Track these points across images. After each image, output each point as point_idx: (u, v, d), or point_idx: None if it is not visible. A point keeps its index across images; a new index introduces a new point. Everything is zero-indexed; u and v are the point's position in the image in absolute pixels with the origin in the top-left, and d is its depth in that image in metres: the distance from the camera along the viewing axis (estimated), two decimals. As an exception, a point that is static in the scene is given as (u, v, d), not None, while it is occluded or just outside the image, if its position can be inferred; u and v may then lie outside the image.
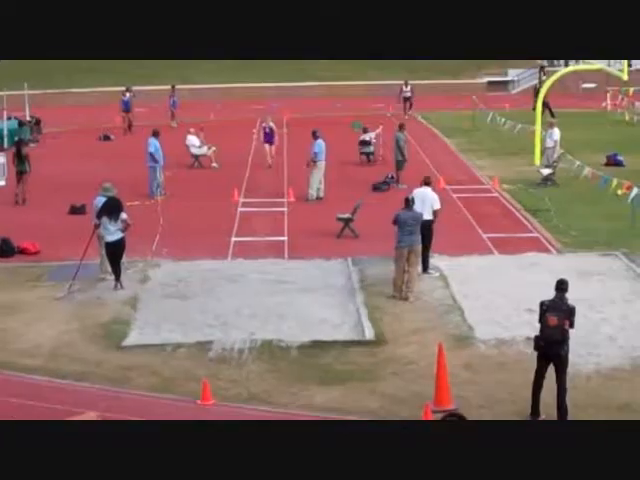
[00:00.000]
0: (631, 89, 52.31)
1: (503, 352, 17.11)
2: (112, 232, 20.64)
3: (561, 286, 14.58)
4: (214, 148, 36.73)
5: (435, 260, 22.09)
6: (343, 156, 35.80)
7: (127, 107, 46.79)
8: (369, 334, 17.96)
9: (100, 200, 21.21)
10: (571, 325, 14.32)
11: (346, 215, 25.48)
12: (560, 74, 38.14)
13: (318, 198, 30.02)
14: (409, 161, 32.54)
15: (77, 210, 27.87)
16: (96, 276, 21.15)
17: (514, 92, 63.11)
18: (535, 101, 42.41)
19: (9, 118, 41.28)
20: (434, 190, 22.08)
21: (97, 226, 20.94)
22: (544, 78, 49.40)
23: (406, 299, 19.77)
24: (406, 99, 51.58)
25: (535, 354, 14.60)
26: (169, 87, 49.68)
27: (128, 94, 47.34)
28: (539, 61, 54.29)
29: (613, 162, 35.44)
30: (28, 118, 44.71)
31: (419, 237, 20.28)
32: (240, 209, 28.78)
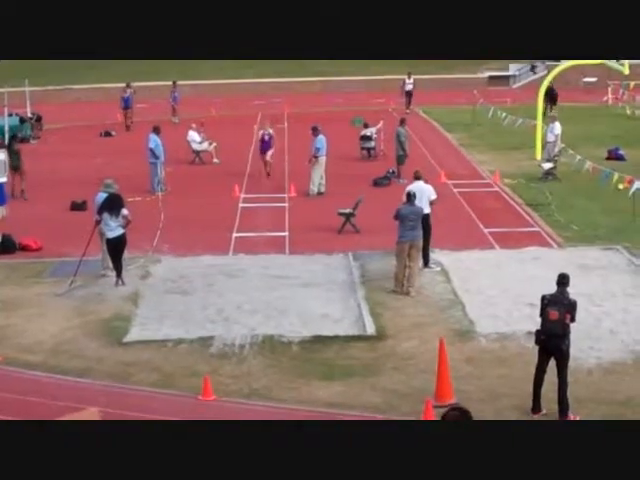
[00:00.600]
0: (632, 83, 52.31)
1: (504, 346, 17.11)
2: (113, 228, 20.63)
3: (562, 280, 14.58)
4: (215, 144, 36.73)
5: (436, 255, 22.09)
6: (344, 151, 35.79)
7: (127, 104, 46.69)
8: (370, 329, 17.96)
9: (101, 196, 21.21)
10: (572, 319, 14.31)
11: (347, 210, 25.48)
12: (561, 68, 38.10)
13: (319, 193, 30.02)
14: (410, 156, 32.53)
15: (78, 206, 27.89)
16: (97, 272, 21.16)
17: (515, 87, 63.10)
18: (547, 107, 42.59)
19: (10, 115, 41.29)
20: (426, 182, 22.03)
21: (98, 222, 20.94)
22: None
23: (407, 294, 19.78)
24: (408, 93, 51.32)
25: (536, 348, 14.60)
26: (170, 83, 49.62)
27: (129, 90, 47.27)
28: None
29: (614, 156, 35.42)
30: (29, 115, 44.72)
31: (420, 232, 20.31)
32: (241, 205, 28.78)
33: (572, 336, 14.39)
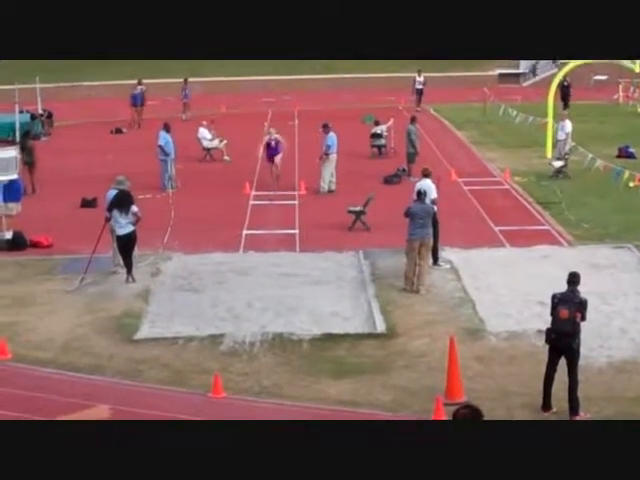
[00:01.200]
0: (643, 81, 52.20)
1: (514, 345, 17.10)
2: (123, 225, 20.67)
3: (573, 279, 14.56)
4: (225, 141, 36.73)
5: (446, 253, 22.09)
6: (355, 149, 35.78)
7: (138, 101, 46.68)
8: (380, 327, 17.96)
9: (112, 193, 21.25)
10: (583, 318, 14.30)
11: (358, 208, 25.47)
12: (571, 66, 38.01)
13: (330, 191, 30.02)
14: (421, 154, 32.50)
15: (89, 203, 27.94)
16: (108, 269, 21.20)
17: (526, 84, 62.97)
18: (564, 104, 42.61)
19: (21, 112, 41.34)
20: (433, 181, 22.02)
21: (108, 219, 20.97)
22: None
23: (417, 292, 19.78)
24: (419, 91, 51.14)
25: (546, 347, 14.60)
26: (180, 80, 49.63)
27: (140, 87, 47.29)
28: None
29: (625, 154, 35.36)
30: (40, 111, 44.79)
31: (430, 230, 20.31)
32: (252, 202, 28.79)
33: (582, 335, 14.39)
